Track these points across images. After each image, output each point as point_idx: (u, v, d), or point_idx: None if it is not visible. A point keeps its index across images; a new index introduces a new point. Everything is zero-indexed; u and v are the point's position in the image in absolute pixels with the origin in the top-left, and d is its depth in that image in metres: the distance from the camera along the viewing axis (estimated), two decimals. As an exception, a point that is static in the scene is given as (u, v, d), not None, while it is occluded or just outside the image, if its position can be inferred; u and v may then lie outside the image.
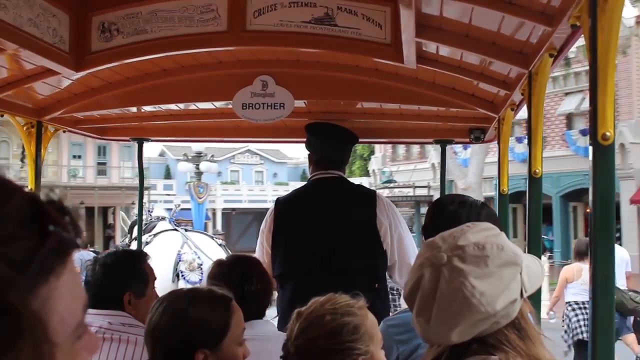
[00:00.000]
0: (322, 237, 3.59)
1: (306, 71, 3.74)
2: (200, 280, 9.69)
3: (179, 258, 9.93)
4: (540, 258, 2.92)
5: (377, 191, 3.93)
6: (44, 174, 36.56)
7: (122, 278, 2.77)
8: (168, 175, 46.49)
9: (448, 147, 5.00)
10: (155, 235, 10.25)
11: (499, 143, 4.02)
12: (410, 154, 36.61)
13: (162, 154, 48.99)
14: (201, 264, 9.93)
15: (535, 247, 2.89)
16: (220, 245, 11.01)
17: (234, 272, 2.65)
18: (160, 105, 4.22)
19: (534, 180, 2.83)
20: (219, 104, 4.20)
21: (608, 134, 1.78)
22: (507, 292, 1.43)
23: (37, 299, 0.63)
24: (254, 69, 3.75)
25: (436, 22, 2.79)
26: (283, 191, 45.54)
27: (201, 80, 3.80)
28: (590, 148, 1.83)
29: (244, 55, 3.64)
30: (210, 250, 10.32)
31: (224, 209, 44.28)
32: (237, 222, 44.93)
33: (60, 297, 0.67)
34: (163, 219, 11.14)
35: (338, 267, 3.51)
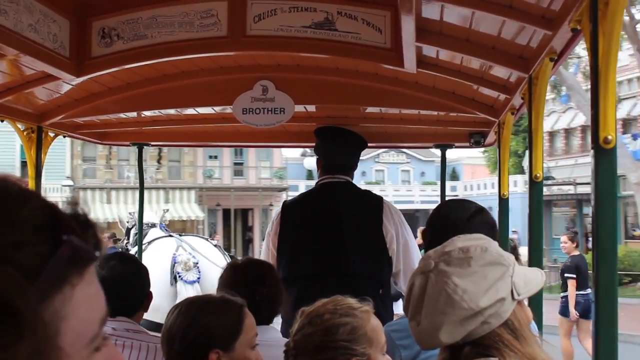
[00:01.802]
0: (328, 242, 3.58)
1: (306, 76, 3.74)
2: (198, 279, 9.67)
3: (174, 260, 9.92)
4: (542, 261, 2.93)
5: (384, 198, 3.90)
6: (181, 175, 35.40)
7: (144, 288, 2.84)
8: (311, 175, 42.54)
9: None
10: (149, 242, 10.23)
11: (499, 147, 4.02)
12: (570, 147, 32.57)
13: (304, 154, 45.86)
14: (197, 263, 9.92)
15: (537, 252, 2.89)
16: (215, 246, 11.03)
17: (248, 275, 2.66)
18: (161, 110, 4.22)
19: (535, 185, 2.83)
20: (219, 109, 4.20)
21: (610, 137, 1.78)
22: (492, 290, 1.47)
23: (50, 307, 0.63)
24: (254, 74, 3.75)
25: (436, 27, 2.80)
26: (431, 191, 42.46)
27: (201, 85, 3.80)
28: (592, 152, 1.83)
29: (244, 60, 3.64)
30: (206, 251, 10.34)
31: (364, 210, 42.38)
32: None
33: (75, 307, 0.66)
34: (154, 225, 11.12)
35: (342, 272, 3.51)
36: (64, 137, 4.49)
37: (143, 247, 9.69)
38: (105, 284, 2.53)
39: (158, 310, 7.48)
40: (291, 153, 41.60)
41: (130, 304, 2.72)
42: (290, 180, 38.82)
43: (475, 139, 4.52)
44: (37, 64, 2.97)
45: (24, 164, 4.38)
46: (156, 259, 9.37)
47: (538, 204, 2.89)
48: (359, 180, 42.61)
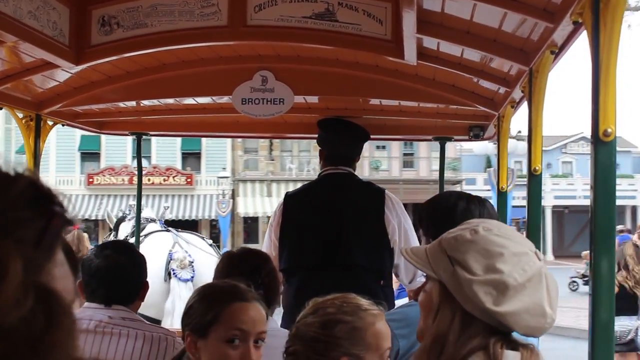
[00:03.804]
0: (330, 232, 3.59)
1: (306, 67, 3.74)
2: (192, 277, 9.71)
3: (170, 257, 9.96)
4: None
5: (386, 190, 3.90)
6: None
7: (140, 276, 2.83)
8: (489, 166, 37.36)
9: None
10: (145, 236, 10.25)
11: (498, 140, 4.02)
12: None
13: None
14: (192, 262, 9.96)
15: (536, 246, 2.88)
16: (210, 245, 11.06)
17: (244, 265, 2.66)
18: (160, 100, 4.21)
19: (534, 178, 2.83)
20: (218, 99, 4.19)
21: (609, 130, 1.78)
22: None
23: (45, 277, 0.66)
24: (254, 64, 3.74)
25: (437, 19, 2.79)
26: (627, 185, 38.21)
27: (201, 74, 3.79)
28: (591, 144, 1.83)
29: (244, 50, 3.63)
30: (202, 249, 10.37)
31: (554, 207, 38.08)
32: (571, 221, 38.99)
33: (60, 274, 0.69)
34: (153, 220, 11.13)
35: (344, 263, 3.52)
36: (63, 125, 4.48)
37: (140, 240, 9.74)
38: (100, 273, 2.55)
39: (152, 306, 7.53)
40: (467, 143, 35.29)
41: (126, 292, 2.71)
42: (465, 172, 35.72)
43: (475, 132, 4.52)
44: (36, 52, 2.96)
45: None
46: (152, 254, 9.37)
47: (537, 197, 2.90)
48: (544, 173, 40.05)
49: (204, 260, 9.87)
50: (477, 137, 4.57)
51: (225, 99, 4.06)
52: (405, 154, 35.18)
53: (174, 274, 9.75)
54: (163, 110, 4.50)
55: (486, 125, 4.39)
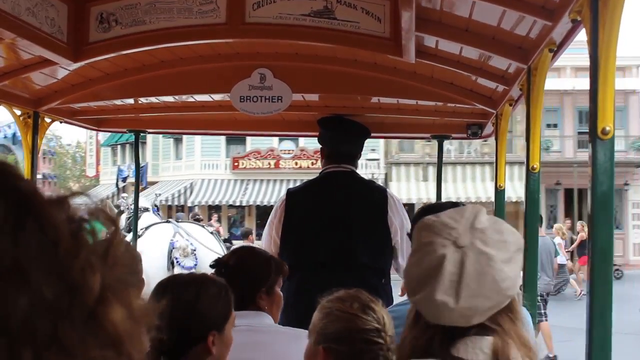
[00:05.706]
0: (333, 231, 3.59)
1: (304, 64, 3.73)
2: (195, 265, 9.75)
3: (172, 245, 9.97)
4: (537, 255, 2.96)
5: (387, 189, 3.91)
6: (513, 148, 26.47)
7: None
8: None
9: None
10: (146, 228, 10.25)
11: (496, 139, 4.02)
12: None
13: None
14: (194, 250, 9.97)
15: (533, 241, 2.90)
16: (211, 233, 11.06)
17: (229, 261, 2.65)
18: (158, 97, 4.21)
19: (532, 175, 2.84)
20: (216, 97, 4.19)
21: (608, 128, 1.79)
22: (520, 276, 1.46)
23: None
24: (252, 62, 3.74)
25: (436, 16, 2.79)
26: None
27: (199, 72, 3.79)
28: (590, 143, 1.84)
29: (242, 48, 3.63)
30: (203, 238, 10.38)
31: None
32: None
33: None
34: (146, 210, 11.12)
35: (347, 261, 3.53)
36: (61, 122, 4.47)
37: (140, 232, 9.76)
38: None
39: (154, 297, 7.51)
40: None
41: None
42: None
43: (473, 131, 4.52)
44: (34, 49, 2.96)
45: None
46: (154, 244, 9.38)
47: (535, 194, 2.90)
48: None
49: (205, 249, 9.90)
50: (475, 136, 4.58)
51: (223, 97, 4.06)
52: (580, 133, 28.35)
53: (177, 262, 9.78)
54: (161, 108, 4.50)
55: (484, 124, 4.40)
